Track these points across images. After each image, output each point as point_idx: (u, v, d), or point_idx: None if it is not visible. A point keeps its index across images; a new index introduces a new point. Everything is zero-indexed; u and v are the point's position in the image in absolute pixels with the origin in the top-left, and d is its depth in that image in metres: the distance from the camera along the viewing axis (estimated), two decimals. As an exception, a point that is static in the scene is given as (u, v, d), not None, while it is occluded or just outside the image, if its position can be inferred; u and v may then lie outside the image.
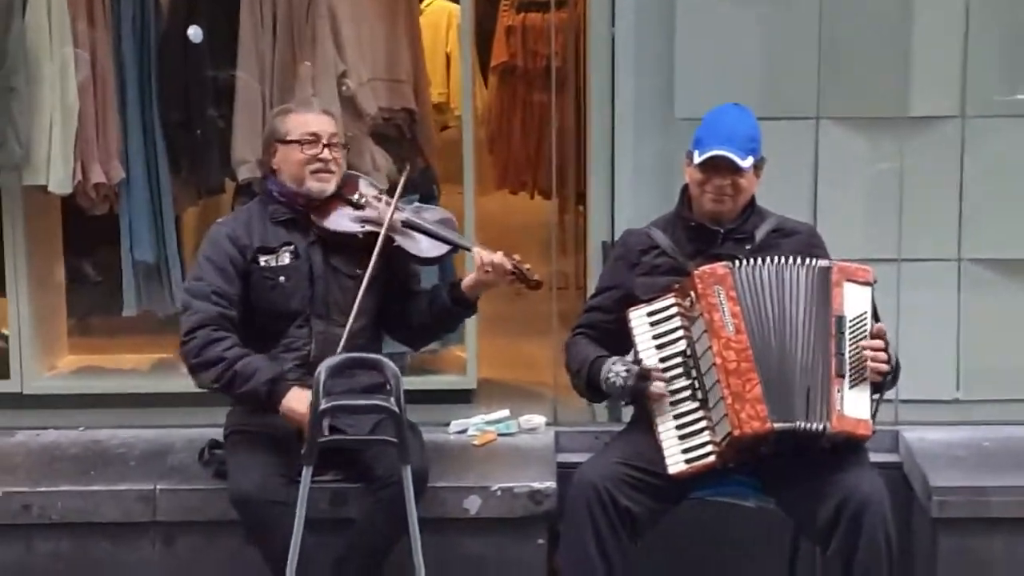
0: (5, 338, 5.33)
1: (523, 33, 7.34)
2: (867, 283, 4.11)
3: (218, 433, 4.48)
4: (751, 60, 5.02)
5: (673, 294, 4.14)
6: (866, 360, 4.02)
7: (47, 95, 5.01)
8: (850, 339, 4.03)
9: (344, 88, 5.12)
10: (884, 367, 4.04)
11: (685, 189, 4.31)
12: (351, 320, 4.26)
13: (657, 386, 4.09)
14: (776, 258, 4.10)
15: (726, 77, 4.96)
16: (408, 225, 4.42)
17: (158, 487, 4.54)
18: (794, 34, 5.00)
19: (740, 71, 4.99)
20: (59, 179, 5.03)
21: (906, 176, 5.02)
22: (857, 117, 5.03)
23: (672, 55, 5.02)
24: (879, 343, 4.05)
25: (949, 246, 5.06)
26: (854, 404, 4.01)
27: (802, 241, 4.28)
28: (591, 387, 4.24)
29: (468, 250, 4.42)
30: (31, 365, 5.25)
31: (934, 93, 5.02)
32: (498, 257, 4.29)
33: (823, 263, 4.10)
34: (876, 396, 4.10)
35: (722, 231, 4.23)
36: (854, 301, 4.08)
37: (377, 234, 4.34)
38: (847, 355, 4.02)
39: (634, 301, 4.21)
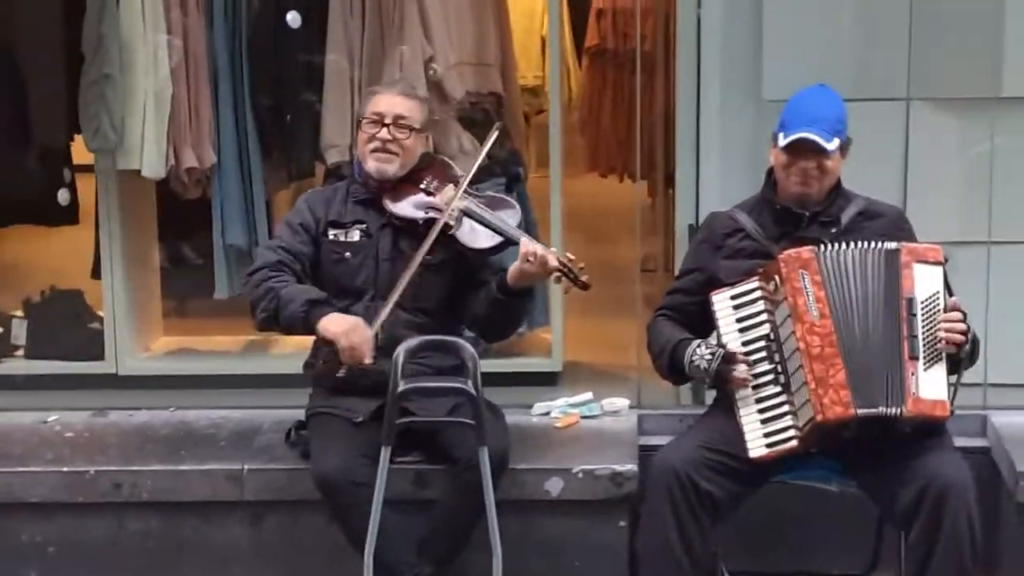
0: (100, 320, 5.43)
1: (613, 16, 7.33)
2: (938, 263, 4.07)
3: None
4: (840, 41, 4.96)
5: (757, 278, 4.13)
6: (940, 339, 3.98)
7: (140, 81, 5.10)
8: (923, 320, 4.00)
9: (431, 72, 5.15)
10: (959, 338, 4.00)
11: (770, 172, 4.28)
12: (394, 297, 4.28)
13: (740, 370, 4.08)
14: (859, 242, 4.07)
15: (814, 58, 4.90)
16: (467, 214, 4.43)
17: (246, 467, 4.61)
18: (884, 14, 4.94)
19: (829, 52, 4.94)
20: (152, 164, 5.12)
21: (998, 157, 4.94)
22: (948, 98, 4.96)
23: (760, 36, 4.98)
24: (955, 315, 4.01)
25: (1042, 228, 4.99)
26: (930, 386, 3.97)
27: (888, 223, 4.24)
28: (673, 369, 4.24)
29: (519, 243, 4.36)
30: (125, 347, 5.34)
31: (1027, 73, 4.94)
32: (541, 249, 4.26)
33: (890, 245, 4.06)
34: (955, 377, 4.06)
35: (807, 214, 4.20)
36: (925, 282, 4.04)
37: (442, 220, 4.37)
38: (920, 336, 3.99)
39: (718, 284, 4.20)
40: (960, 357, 4.05)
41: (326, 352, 4.31)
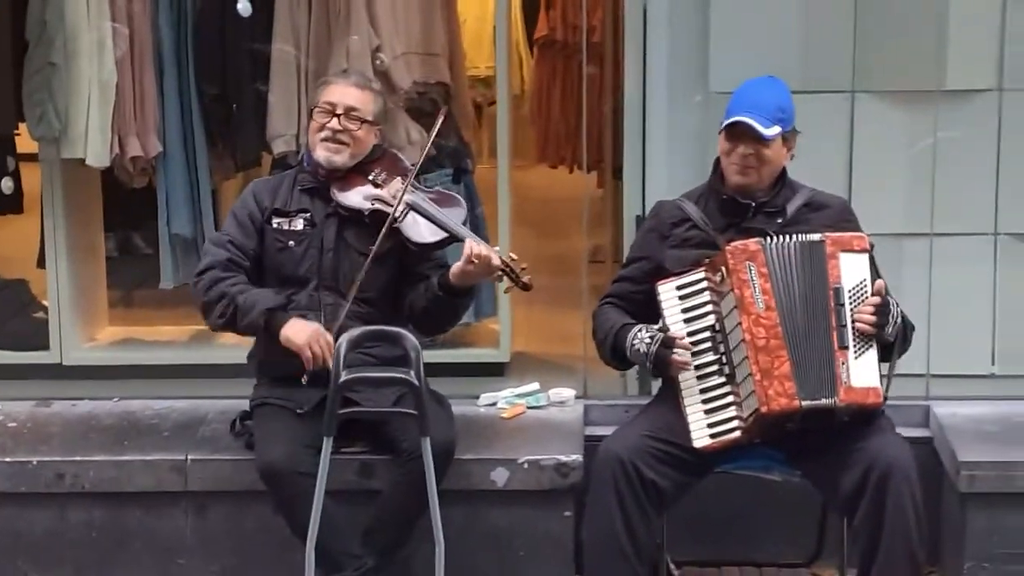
0: (45, 310, 5.39)
1: (563, 6, 7.32)
2: (863, 250, 4.11)
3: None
4: (786, 33, 4.98)
5: (703, 268, 4.15)
6: (861, 331, 4.02)
7: (85, 69, 5.06)
8: (851, 309, 4.03)
9: (378, 62, 5.13)
10: (868, 329, 4.02)
11: (718, 162, 4.30)
12: (351, 294, 4.31)
13: (680, 354, 4.09)
14: (793, 235, 4.10)
15: (761, 50, 4.92)
16: (414, 208, 4.42)
17: (190, 457, 4.58)
18: (830, 7, 4.96)
19: (775, 44, 4.96)
20: (97, 152, 5.08)
21: (942, 150, 4.97)
22: (893, 91, 4.99)
23: (707, 28, 5.00)
24: (869, 308, 4.03)
25: (985, 220, 5.02)
26: (861, 374, 4.01)
27: (834, 215, 4.27)
28: (616, 354, 4.25)
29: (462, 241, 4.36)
30: (70, 337, 5.31)
31: (971, 66, 4.96)
32: (485, 250, 4.26)
33: (814, 237, 4.09)
34: (888, 362, 4.10)
35: (753, 204, 4.22)
36: (851, 270, 4.07)
37: (385, 213, 4.36)
38: (849, 326, 4.02)
39: (664, 273, 4.21)
40: (889, 341, 4.08)
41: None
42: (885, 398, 4.06)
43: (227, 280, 4.34)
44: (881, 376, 4.06)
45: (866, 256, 4.11)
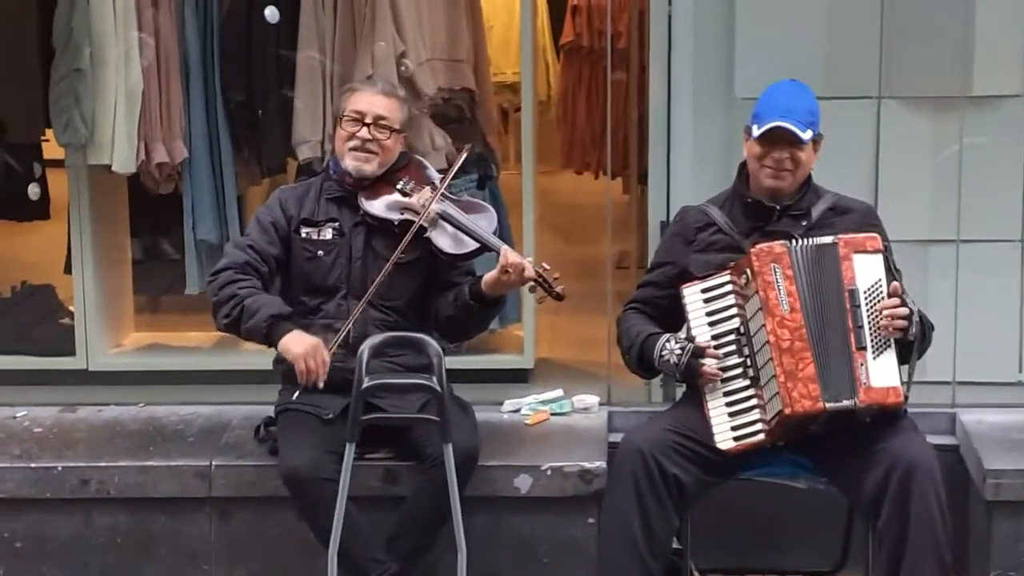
0: (72, 316, 5.41)
1: (588, 12, 7.31)
2: (877, 251, 4.10)
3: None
4: (812, 39, 4.97)
5: (728, 272, 4.15)
6: (884, 327, 4.00)
7: (112, 76, 5.08)
8: (867, 309, 4.03)
9: (403, 68, 5.14)
10: (901, 323, 4.01)
11: (743, 166, 4.29)
12: (366, 297, 4.31)
13: (710, 364, 4.09)
14: (809, 238, 4.10)
15: (786, 56, 4.90)
16: (444, 218, 4.42)
17: (214, 463, 4.60)
18: (855, 12, 4.95)
19: (801, 50, 4.94)
20: (123, 159, 5.10)
21: (968, 156, 4.95)
22: (919, 97, 4.97)
23: (732, 34, 4.99)
24: (894, 300, 4.03)
25: (1012, 227, 4.99)
26: (880, 374, 4.01)
27: (858, 219, 4.26)
28: (643, 364, 4.25)
29: (497, 251, 4.35)
30: (96, 342, 5.33)
31: (997, 72, 4.94)
32: (519, 260, 4.26)
33: (826, 240, 4.09)
34: (908, 362, 4.08)
35: (778, 208, 4.22)
36: (866, 271, 4.07)
37: (414, 224, 4.36)
38: (866, 326, 4.02)
39: (689, 278, 4.21)
40: (909, 340, 4.06)
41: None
42: (906, 397, 4.06)
43: (240, 282, 4.34)
44: (902, 375, 4.04)
45: (880, 256, 4.10)
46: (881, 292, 4.06)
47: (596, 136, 7.18)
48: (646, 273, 4.49)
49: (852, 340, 4.01)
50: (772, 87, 4.30)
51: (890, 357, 4.04)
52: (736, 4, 4.97)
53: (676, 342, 4.14)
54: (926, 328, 4.16)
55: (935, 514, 3.92)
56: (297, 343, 4.25)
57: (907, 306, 4.05)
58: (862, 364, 4.00)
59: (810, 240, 4.11)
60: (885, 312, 4.02)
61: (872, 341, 4.02)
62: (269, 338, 4.29)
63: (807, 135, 4.15)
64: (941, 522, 3.93)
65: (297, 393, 4.30)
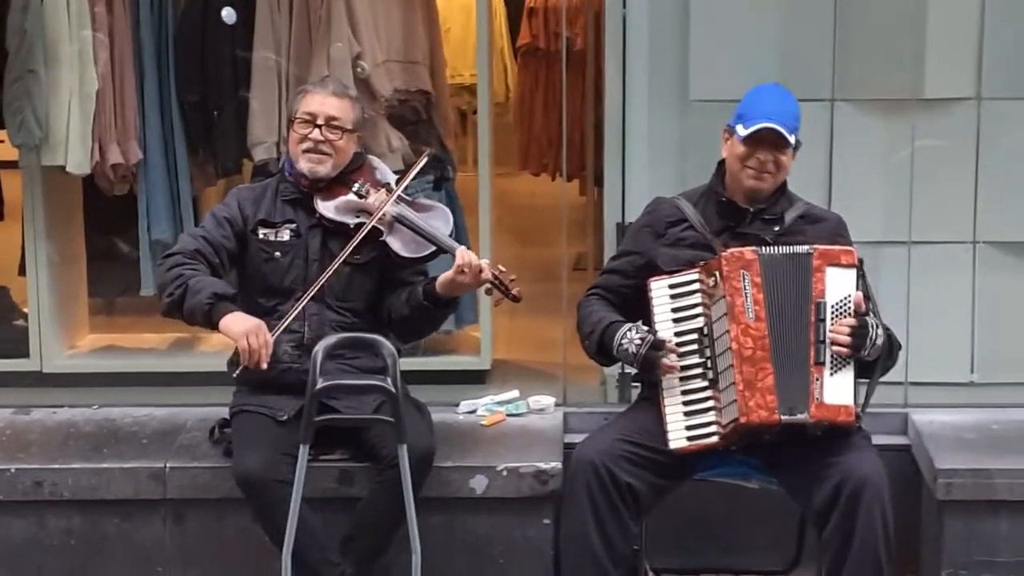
0: (25, 317, 5.39)
1: (545, 14, 7.33)
2: (851, 265, 4.09)
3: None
4: (766, 42, 5.00)
5: (697, 270, 4.14)
6: (837, 351, 4.01)
7: (65, 77, 5.07)
8: (832, 324, 4.02)
9: (359, 70, 5.15)
10: (844, 350, 4.01)
11: (721, 164, 4.29)
12: (309, 292, 4.29)
13: (670, 358, 4.09)
14: (792, 246, 4.10)
15: (741, 59, 4.95)
16: (399, 221, 4.42)
17: (169, 465, 4.58)
18: (809, 15, 4.98)
19: (755, 53, 4.97)
20: (77, 160, 5.09)
21: (921, 158, 4.99)
22: (872, 99, 5.01)
23: (687, 37, 5.01)
24: (845, 328, 4.01)
25: (964, 229, 5.03)
26: (835, 391, 4.01)
27: (828, 229, 4.27)
28: (602, 351, 4.23)
29: (453, 253, 4.35)
30: (51, 344, 5.31)
31: (949, 75, 4.99)
32: (476, 261, 4.27)
33: (804, 249, 4.09)
34: (869, 379, 4.10)
35: (751, 210, 4.22)
36: (837, 285, 4.06)
37: (371, 228, 4.36)
38: (827, 342, 4.01)
39: (655, 271, 4.21)
40: (867, 359, 4.06)
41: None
42: (859, 416, 4.04)
43: (187, 264, 4.29)
44: (857, 394, 4.04)
45: (853, 272, 4.08)
46: (849, 308, 4.05)
47: (553, 138, 7.20)
48: (611, 260, 4.48)
49: (812, 354, 4.01)
50: (757, 89, 4.31)
51: (847, 375, 4.03)
52: (691, 7, 4.99)
53: (637, 332, 4.12)
54: (893, 347, 4.16)
55: (878, 533, 3.93)
56: (239, 322, 4.17)
57: (865, 324, 4.03)
58: (818, 379, 3.99)
59: (784, 248, 4.10)
60: (829, 331, 4.02)
61: (831, 357, 4.01)
62: (210, 317, 4.20)
63: (792, 138, 4.17)
64: (884, 540, 3.94)
65: (238, 371, 4.20)
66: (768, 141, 4.15)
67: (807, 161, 4.90)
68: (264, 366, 4.17)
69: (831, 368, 4.01)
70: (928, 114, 4.98)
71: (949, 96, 4.99)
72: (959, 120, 5.00)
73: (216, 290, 4.22)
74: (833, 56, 4.98)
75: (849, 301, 4.05)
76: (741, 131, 4.17)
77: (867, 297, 4.09)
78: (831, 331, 4.02)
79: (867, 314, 4.05)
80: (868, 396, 4.11)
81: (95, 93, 5.07)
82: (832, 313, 4.04)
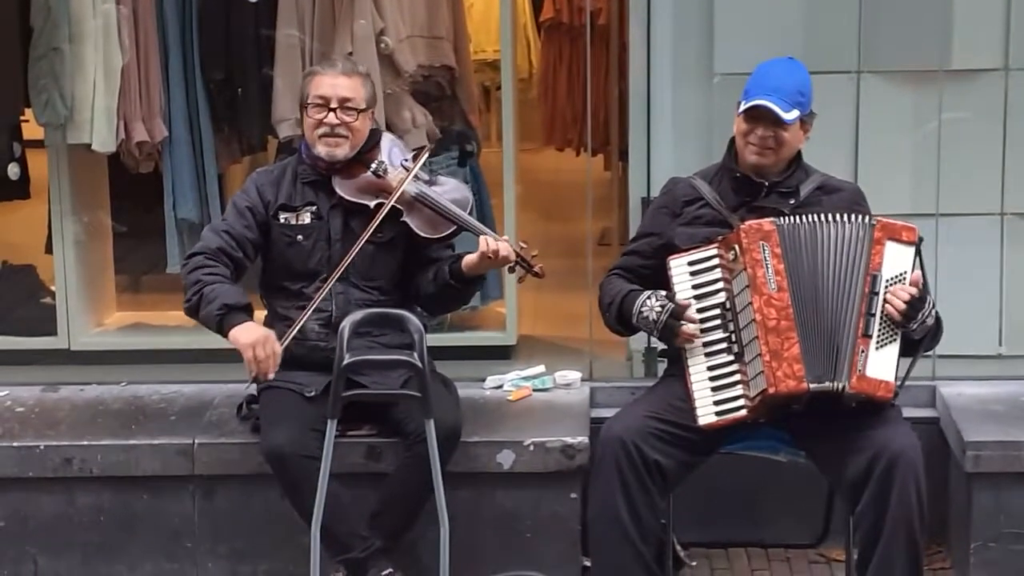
0: (53, 295, 5.41)
1: (568, -12, 7.31)
2: (911, 243, 4.06)
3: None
4: (791, 13, 4.98)
5: (716, 245, 4.13)
6: (889, 314, 3.98)
7: (90, 54, 5.08)
8: (884, 299, 4.00)
9: (383, 45, 5.14)
10: (896, 315, 3.97)
11: (733, 141, 4.28)
12: (336, 272, 4.31)
13: (689, 326, 4.08)
14: (822, 215, 4.07)
15: (766, 32, 4.93)
16: (419, 200, 4.42)
17: (197, 441, 4.59)
18: (835, -13, 4.97)
19: (780, 25, 4.96)
20: (103, 138, 5.10)
21: (948, 130, 4.97)
22: (898, 71, 4.99)
23: (711, 10, 5.00)
24: (904, 295, 3.99)
25: (992, 200, 5.01)
26: (878, 365, 3.98)
27: (845, 199, 4.25)
28: (621, 319, 4.23)
29: (475, 233, 4.36)
30: (78, 322, 5.34)
31: (976, 46, 4.97)
32: (503, 247, 4.27)
33: (865, 220, 4.06)
34: (911, 356, 4.08)
35: (767, 184, 4.21)
36: (895, 260, 4.03)
37: (391, 207, 4.36)
38: (877, 315, 3.99)
39: (673, 250, 4.20)
40: (915, 338, 4.04)
41: None
42: (897, 393, 4.02)
43: (206, 268, 4.31)
44: (897, 371, 4.02)
45: (912, 249, 4.05)
46: (904, 284, 4.02)
47: (577, 113, 7.18)
48: (630, 242, 4.48)
49: (860, 325, 3.98)
50: (765, 64, 4.27)
51: (892, 350, 4.00)
52: (716, -21, 4.98)
53: (657, 299, 4.11)
54: (939, 331, 4.13)
55: (913, 507, 3.91)
56: (246, 333, 4.19)
57: (924, 299, 4.01)
58: (863, 351, 3.97)
59: (848, 217, 4.06)
60: (888, 293, 3.98)
61: (879, 331, 3.99)
62: (221, 327, 4.24)
63: (791, 115, 4.13)
64: (919, 515, 3.92)
65: (249, 385, 4.30)
66: (765, 118, 4.14)
67: (833, 133, 4.92)
68: (271, 376, 4.20)
69: (877, 343, 3.98)
70: (955, 85, 4.96)
71: (976, 67, 4.97)
72: (986, 91, 4.97)
73: (227, 300, 4.24)
74: (859, 27, 4.95)
75: (904, 278, 4.01)
76: (741, 107, 4.17)
77: (923, 277, 4.06)
78: (889, 293, 3.99)
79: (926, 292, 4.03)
80: (907, 375, 4.09)
81: (120, 70, 5.07)
82: (886, 288, 4.00)
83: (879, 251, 4.02)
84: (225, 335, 4.24)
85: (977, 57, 4.97)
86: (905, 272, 4.03)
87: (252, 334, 4.19)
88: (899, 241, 4.05)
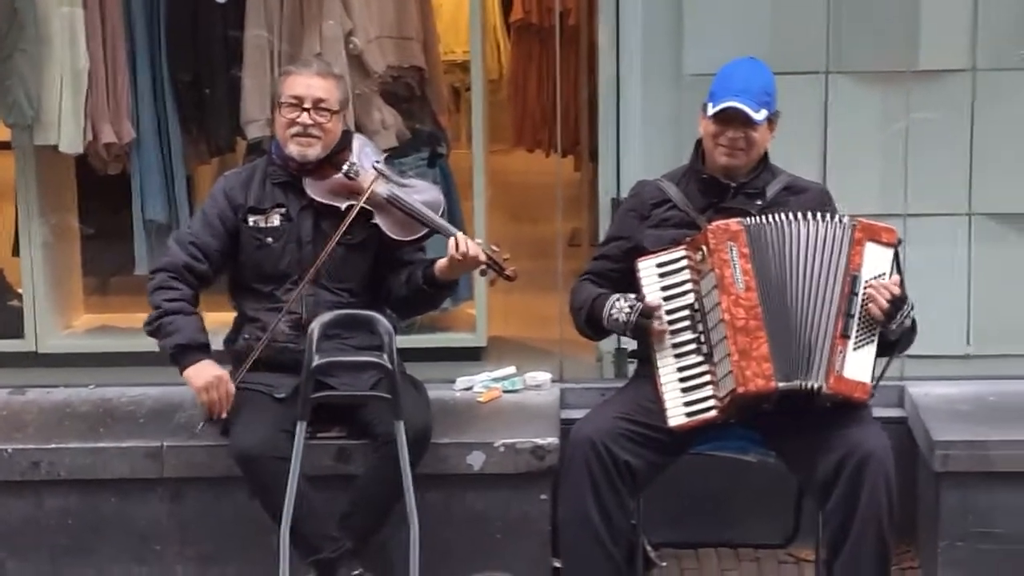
0: (20, 298, 5.38)
1: (537, -11, 7.30)
2: (890, 244, 4.07)
3: (225, 391, 4.52)
4: (760, 14, 5.00)
5: (684, 247, 4.13)
6: (871, 313, 3.99)
7: (57, 55, 5.05)
8: (863, 300, 4.00)
9: (351, 46, 5.13)
10: (879, 314, 3.98)
11: (699, 143, 4.29)
12: (308, 276, 4.31)
13: (660, 323, 4.08)
14: (794, 214, 4.07)
15: (734, 32, 4.94)
16: (391, 202, 4.41)
17: (165, 444, 4.57)
18: (803, -13, 4.98)
19: (749, 26, 4.97)
20: (70, 139, 5.07)
21: (916, 130, 4.99)
22: (866, 71, 5.00)
23: (680, 10, 5.00)
24: (886, 292, 3.99)
25: (959, 200, 5.03)
26: (855, 366, 3.99)
27: (812, 199, 4.25)
28: (591, 323, 4.24)
29: (447, 235, 4.35)
30: (46, 324, 5.31)
31: (944, 47, 4.98)
32: (473, 248, 4.27)
33: (846, 220, 4.07)
34: (885, 358, 4.09)
35: (734, 185, 4.22)
36: (874, 262, 4.04)
37: (362, 209, 4.35)
38: (857, 316, 4.00)
39: (642, 253, 4.20)
40: (891, 339, 4.05)
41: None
42: (872, 394, 4.04)
43: (170, 291, 4.35)
44: (873, 373, 4.04)
45: (891, 251, 4.07)
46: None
47: (547, 114, 7.16)
48: (600, 246, 4.49)
49: (839, 325, 3.99)
50: (729, 65, 4.29)
51: (869, 352, 4.02)
52: (684, -21, 4.99)
53: (626, 300, 4.12)
54: (913, 334, 4.13)
55: (883, 506, 3.93)
56: (198, 376, 4.26)
57: (905, 299, 4.02)
58: (841, 351, 3.98)
59: (828, 216, 4.07)
60: (868, 289, 3.98)
61: (857, 332, 4.00)
62: (176, 363, 4.31)
63: (760, 115, 4.15)
64: (888, 514, 3.94)
65: (201, 425, 4.36)
66: (736, 119, 4.15)
67: (802, 134, 4.94)
68: (224, 415, 4.26)
69: (855, 343, 3.99)
70: (923, 86, 4.98)
71: (944, 68, 4.99)
72: (954, 92, 4.99)
73: (181, 340, 4.29)
74: (827, 28, 4.97)
75: (883, 280, 4.02)
76: (710, 110, 4.17)
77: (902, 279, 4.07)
78: (872, 289, 4.00)
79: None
80: (880, 376, 4.10)
81: (87, 72, 5.04)
82: (864, 289, 4.00)
83: (859, 252, 4.03)
84: (180, 373, 4.30)
85: (944, 58, 4.99)
86: (884, 274, 4.04)
87: (204, 375, 4.26)
88: (879, 242, 4.06)
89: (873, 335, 4.03)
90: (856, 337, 4.00)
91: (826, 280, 4.03)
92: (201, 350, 4.32)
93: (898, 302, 4.01)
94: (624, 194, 4.72)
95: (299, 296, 4.34)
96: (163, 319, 4.32)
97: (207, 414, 4.30)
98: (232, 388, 4.27)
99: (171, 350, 4.30)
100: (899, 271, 4.08)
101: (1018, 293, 5.07)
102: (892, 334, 4.06)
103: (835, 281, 4.02)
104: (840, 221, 4.07)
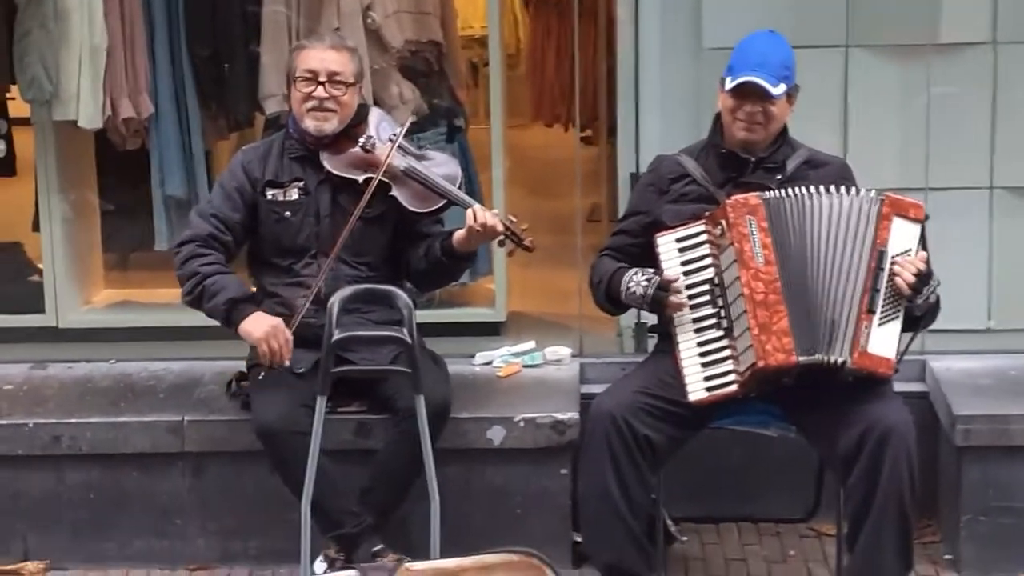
0: (40, 273, 5.39)
1: (556, -38, 7.28)
2: (918, 220, 4.04)
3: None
4: (780, -13, 4.98)
5: (703, 221, 4.12)
6: (897, 288, 3.97)
7: (75, 31, 5.04)
8: (889, 275, 3.99)
9: (369, 21, 5.12)
10: (905, 288, 3.96)
11: (718, 117, 4.28)
12: (333, 253, 4.30)
13: (677, 297, 4.08)
14: (815, 188, 4.05)
15: (754, 5, 4.92)
16: (408, 174, 4.40)
17: (186, 418, 4.59)
18: (823, -39, 4.95)
19: (768, -1, 4.95)
20: (89, 114, 5.07)
21: (937, 104, 4.96)
22: (887, 45, 4.97)
23: (699, -17, 5.00)
24: (912, 268, 3.97)
25: (981, 174, 5.01)
26: (880, 342, 3.98)
27: (832, 173, 4.24)
28: (610, 297, 4.24)
29: (464, 207, 4.35)
30: (66, 299, 5.31)
31: (964, 19, 4.95)
32: (491, 218, 4.27)
33: (872, 194, 4.05)
34: (909, 334, 4.07)
35: (753, 160, 4.21)
36: (900, 237, 4.02)
37: (379, 182, 4.34)
38: (882, 291, 3.98)
39: (661, 228, 4.19)
40: (916, 314, 4.04)
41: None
42: (896, 370, 4.02)
43: (202, 258, 4.32)
44: (897, 348, 4.02)
45: (918, 227, 4.04)
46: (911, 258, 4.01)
47: (565, 89, 7.16)
48: (619, 221, 4.48)
49: (865, 300, 3.97)
50: (747, 39, 4.27)
51: (894, 327, 4.00)
52: (703, -48, 4.97)
53: (643, 274, 4.12)
54: (938, 306, 4.11)
55: (904, 481, 3.92)
56: (257, 326, 4.22)
57: (931, 274, 4.00)
58: (866, 327, 3.96)
59: (856, 190, 4.05)
60: (896, 264, 3.96)
61: (883, 307, 3.98)
62: (229, 320, 4.27)
63: (779, 89, 4.13)
64: (910, 489, 3.93)
65: (263, 374, 4.28)
66: (754, 94, 4.13)
67: (822, 108, 4.91)
68: (287, 364, 4.22)
69: (880, 319, 3.98)
70: (943, 59, 4.95)
71: (964, 41, 4.96)
72: (974, 65, 4.96)
73: (232, 295, 4.27)
74: (847, 1, 4.94)
75: (909, 255, 4.00)
76: (727, 84, 4.15)
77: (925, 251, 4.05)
78: (897, 265, 3.98)
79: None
80: (904, 351, 4.08)
81: (105, 47, 5.04)
82: (891, 264, 3.98)
83: (886, 227, 4.01)
84: (234, 329, 4.25)
85: (965, 31, 4.96)
86: (910, 250, 4.02)
87: (262, 326, 4.22)
88: (906, 218, 4.04)
89: (898, 310, 4.01)
90: (881, 312, 3.99)
91: (851, 254, 4.01)
92: (252, 301, 4.30)
93: (924, 277, 4.00)
94: (643, 169, 4.71)
95: (318, 269, 4.34)
96: (204, 282, 4.29)
97: (266, 362, 4.23)
98: (290, 335, 4.22)
99: (223, 306, 4.26)
100: (924, 247, 4.06)
101: (1040, 267, 5.05)
102: (917, 309, 4.04)
103: (860, 255, 4.00)
104: (866, 195, 4.05)
